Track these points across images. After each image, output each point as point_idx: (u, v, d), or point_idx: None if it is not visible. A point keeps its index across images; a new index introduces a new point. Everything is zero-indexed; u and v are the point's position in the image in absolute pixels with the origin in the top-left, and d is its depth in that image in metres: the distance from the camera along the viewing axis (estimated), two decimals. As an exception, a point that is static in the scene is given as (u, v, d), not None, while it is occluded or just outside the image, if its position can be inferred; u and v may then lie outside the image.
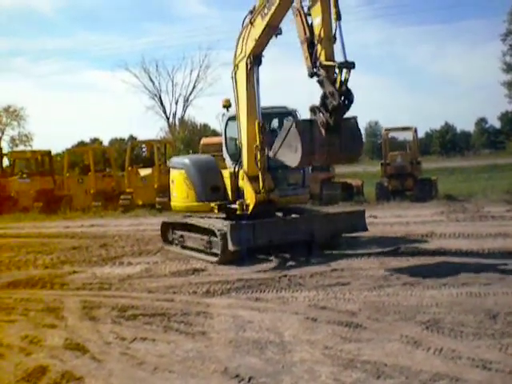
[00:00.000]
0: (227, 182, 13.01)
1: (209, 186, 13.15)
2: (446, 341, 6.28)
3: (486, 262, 10.47)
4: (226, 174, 13.09)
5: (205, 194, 13.12)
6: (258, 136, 11.94)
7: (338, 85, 9.57)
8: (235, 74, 12.35)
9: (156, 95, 76.20)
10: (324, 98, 9.77)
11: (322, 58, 9.83)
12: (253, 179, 12.17)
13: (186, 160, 14.06)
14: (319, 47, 9.87)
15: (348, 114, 9.96)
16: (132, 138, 62.41)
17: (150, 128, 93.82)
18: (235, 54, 12.28)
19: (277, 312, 7.90)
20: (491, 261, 10.51)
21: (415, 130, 26.96)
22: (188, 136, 57.54)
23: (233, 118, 13.50)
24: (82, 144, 65.09)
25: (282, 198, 12.75)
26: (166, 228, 14.63)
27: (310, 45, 10.07)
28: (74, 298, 9.41)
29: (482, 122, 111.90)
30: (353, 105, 9.68)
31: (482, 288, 8.48)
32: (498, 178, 33.34)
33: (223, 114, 13.58)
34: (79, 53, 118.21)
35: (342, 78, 9.52)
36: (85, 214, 26.21)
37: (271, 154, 10.76)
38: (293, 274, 10.16)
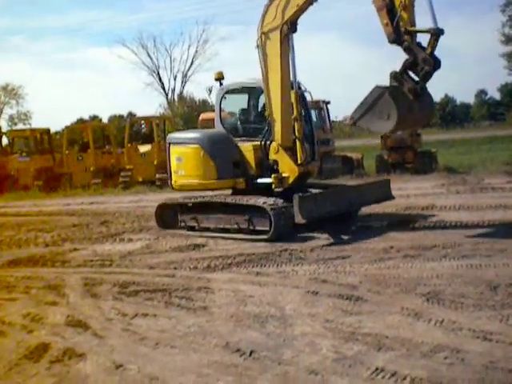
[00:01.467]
0: (249, 156, 12.45)
1: (231, 161, 12.56)
2: (447, 312, 6.29)
3: (486, 233, 10.47)
4: (247, 148, 12.53)
5: (227, 171, 12.49)
6: (295, 107, 11.72)
7: (429, 51, 9.76)
8: (264, 42, 11.87)
9: (154, 71, 76.14)
10: (413, 64, 9.95)
11: (407, 24, 9.98)
12: (288, 151, 11.94)
13: (198, 135, 13.27)
14: (404, 14, 9.96)
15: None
16: (131, 114, 62.21)
17: (149, 104, 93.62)
18: (262, 22, 11.82)
19: (277, 286, 7.91)
20: (492, 232, 10.51)
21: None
22: (187, 112, 57.46)
23: (232, 92, 13.36)
24: (81, 121, 64.99)
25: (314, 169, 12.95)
26: (168, 210, 13.58)
27: (389, 11, 10.06)
28: (75, 275, 9.43)
29: (481, 93, 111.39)
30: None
31: (482, 260, 8.49)
32: (498, 149, 33.23)
33: (212, 88, 13.42)
34: (77, 30, 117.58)
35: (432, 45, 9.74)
36: (85, 192, 26.21)
37: (349, 121, 10.89)
38: (293, 248, 10.17)
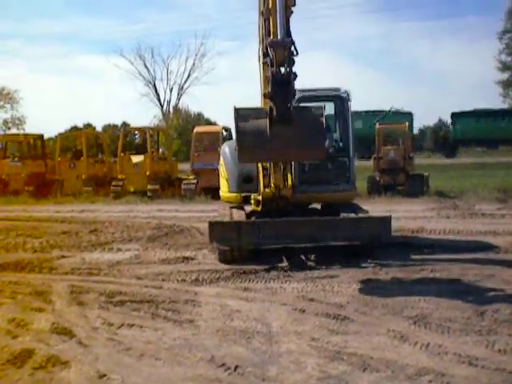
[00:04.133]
0: (259, 172, 11.32)
1: (242, 176, 11.86)
2: (433, 336, 6.30)
3: (475, 258, 10.49)
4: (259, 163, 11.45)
5: (236, 185, 11.96)
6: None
7: (275, 67, 8.46)
8: (259, 50, 10.77)
9: (150, 82, 76.30)
10: (268, 82, 8.67)
11: (271, 34, 8.72)
12: (266, 171, 10.99)
13: (226, 146, 12.84)
14: (270, 21, 8.74)
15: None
16: (125, 124, 62.31)
17: (144, 115, 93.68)
18: (259, 28, 10.70)
19: (265, 302, 7.90)
20: (480, 258, 10.53)
21: (408, 126, 27.02)
22: (182, 124, 57.56)
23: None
24: (74, 129, 64.85)
25: (310, 195, 11.65)
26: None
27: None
28: (62, 282, 9.39)
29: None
30: (292, 95, 8.55)
31: (470, 284, 8.51)
32: (490, 175, 33.39)
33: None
34: (74, 37, 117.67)
35: (279, 60, 8.41)
36: (76, 199, 26.16)
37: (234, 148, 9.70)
38: (282, 265, 10.15)
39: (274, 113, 8.45)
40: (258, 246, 10.44)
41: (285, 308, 7.56)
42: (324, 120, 9.02)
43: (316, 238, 10.42)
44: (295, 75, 8.53)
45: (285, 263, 10.37)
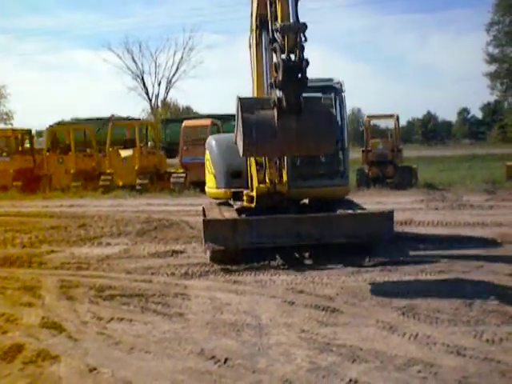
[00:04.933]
0: (248, 167, 11.02)
1: (230, 171, 11.42)
2: (422, 327, 6.33)
3: (463, 250, 10.55)
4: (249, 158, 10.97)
5: (224, 181, 11.45)
6: None
7: (285, 54, 7.81)
8: (250, 41, 10.78)
9: (139, 76, 76.12)
10: (276, 70, 8.00)
11: (279, 19, 8.05)
12: (261, 166, 10.59)
13: (212, 140, 12.30)
14: (278, 7, 8.11)
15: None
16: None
17: (132, 109, 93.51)
18: (251, 15, 10.53)
19: (254, 295, 7.92)
20: (469, 249, 10.59)
21: (397, 118, 27.06)
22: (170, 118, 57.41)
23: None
24: (62, 123, 64.53)
25: (306, 190, 11.19)
26: None
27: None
28: (51, 277, 9.37)
29: (464, 112, 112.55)
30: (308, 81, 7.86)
31: (458, 276, 8.56)
32: (478, 167, 33.56)
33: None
34: (62, 32, 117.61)
35: (290, 45, 7.78)
36: (64, 194, 26.04)
37: (234, 139, 9.06)
38: (277, 264, 10.07)
39: (284, 103, 7.85)
40: (255, 245, 9.78)
41: (274, 300, 7.59)
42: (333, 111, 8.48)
43: (317, 236, 9.81)
44: (307, 62, 7.82)
45: (279, 261, 10.00)
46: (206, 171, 12.21)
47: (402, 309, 6.96)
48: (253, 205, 10.58)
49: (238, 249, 9.88)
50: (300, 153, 9.95)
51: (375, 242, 10.29)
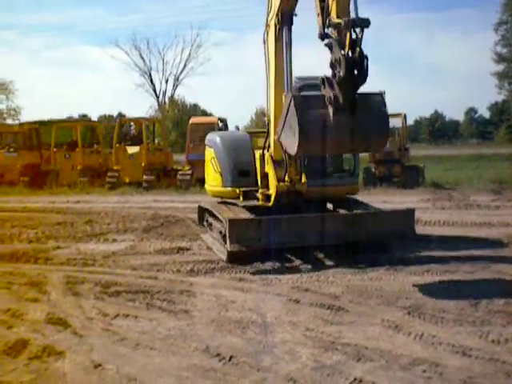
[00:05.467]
0: (257, 164, 11.00)
1: (237, 169, 11.17)
2: (427, 326, 6.32)
3: (469, 250, 10.52)
4: (256, 155, 11.11)
5: (231, 179, 11.19)
6: None
7: (347, 49, 7.57)
8: (267, 34, 10.50)
9: (146, 73, 76.16)
10: (332, 67, 7.76)
11: (333, 14, 7.79)
12: (278, 164, 10.25)
13: (216, 137, 11.99)
14: (332, 2, 7.82)
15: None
16: (121, 115, 62.18)
17: (140, 106, 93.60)
18: (267, 14, 10.45)
19: (260, 293, 7.93)
20: (475, 249, 10.56)
21: (404, 117, 26.97)
22: (177, 115, 57.47)
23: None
24: (70, 119, 64.68)
25: (320, 189, 10.85)
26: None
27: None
28: (57, 272, 9.39)
29: (471, 111, 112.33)
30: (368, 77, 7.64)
31: (464, 276, 8.55)
32: (485, 167, 33.46)
33: None
34: (70, 28, 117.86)
35: (352, 41, 7.56)
36: (71, 190, 26.09)
37: (276, 137, 9.10)
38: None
39: (341, 100, 7.69)
40: (281, 245, 9.68)
41: (280, 298, 7.59)
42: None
43: (341, 235, 9.84)
44: (367, 58, 7.60)
45: (298, 261, 9.87)
46: (209, 169, 11.93)
47: (407, 308, 6.96)
48: (270, 204, 10.36)
49: (262, 249, 9.69)
50: (351, 150, 10.06)
51: (397, 240, 10.35)
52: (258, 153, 11.05)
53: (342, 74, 7.52)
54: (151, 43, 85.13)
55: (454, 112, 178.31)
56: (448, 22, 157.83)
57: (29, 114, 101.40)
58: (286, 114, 8.24)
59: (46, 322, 6.82)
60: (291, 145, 8.24)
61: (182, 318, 6.90)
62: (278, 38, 10.16)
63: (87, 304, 7.54)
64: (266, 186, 10.54)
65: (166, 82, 75.88)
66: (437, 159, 43.60)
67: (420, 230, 11.97)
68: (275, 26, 10.12)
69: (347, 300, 7.42)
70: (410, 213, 10.43)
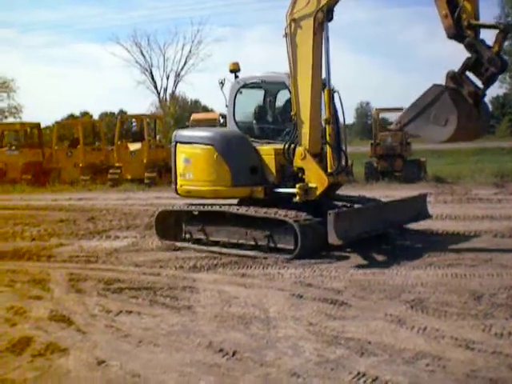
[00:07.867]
0: (269, 161, 10.77)
1: (248, 166, 10.88)
2: (430, 320, 6.32)
3: (472, 243, 10.52)
4: (267, 151, 10.85)
5: (243, 177, 10.82)
6: (328, 107, 10.16)
7: (496, 49, 8.62)
8: (294, 31, 10.28)
9: (147, 70, 75.78)
10: (476, 64, 8.74)
11: (471, 17, 8.74)
12: (317, 158, 10.34)
13: (211, 133, 11.34)
14: (467, 4, 8.69)
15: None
16: (122, 112, 62.12)
17: (141, 103, 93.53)
18: (293, 7, 10.23)
19: (263, 288, 7.93)
20: (477, 243, 10.57)
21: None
22: (178, 112, 57.36)
23: (249, 86, 11.61)
24: (71, 117, 64.77)
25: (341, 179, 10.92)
26: (170, 218, 11.81)
27: (450, 1, 8.84)
28: (60, 270, 9.41)
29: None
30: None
31: (467, 269, 8.53)
32: (487, 161, 33.43)
33: (224, 80, 11.53)
34: (70, 25, 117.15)
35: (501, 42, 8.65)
36: (73, 188, 26.16)
37: (395, 126, 9.92)
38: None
39: (480, 94, 8.92)
40: (366, 234, 9.99)
41: (282, 293, 7.59)
42: None
43: (396, 221, 11.12)
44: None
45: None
46: (210, 168, 10.93)
47: (410, 302, 6.95)
48: (313, 197, 10.19)
49: (354, 240, 9.88)
50: (479, 136, 11.37)
51: (418, 220, 11.66)
52: (266, 148, 10.88)
53: (494, 70, 8.66)
54: (152, 40, 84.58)
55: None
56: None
57: (30, 113, 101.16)
58: (430, 104, 9.03)
59: (50, 320, 6.83)
60: (437, 133, 9.19)
61: (185, 314, 6.90)
62: (316, 34, 10.11)
63: (90, 301, 7.56)
64: (296, 181, 10.32)
65: (167, 78, 75.58)
66: (438, 153, 43.55)
67: (422, 223, 11.98)
68: (314, 22, 10.02)
69: (350, 294, 7.42)
70: (424, 197, 12.26)
